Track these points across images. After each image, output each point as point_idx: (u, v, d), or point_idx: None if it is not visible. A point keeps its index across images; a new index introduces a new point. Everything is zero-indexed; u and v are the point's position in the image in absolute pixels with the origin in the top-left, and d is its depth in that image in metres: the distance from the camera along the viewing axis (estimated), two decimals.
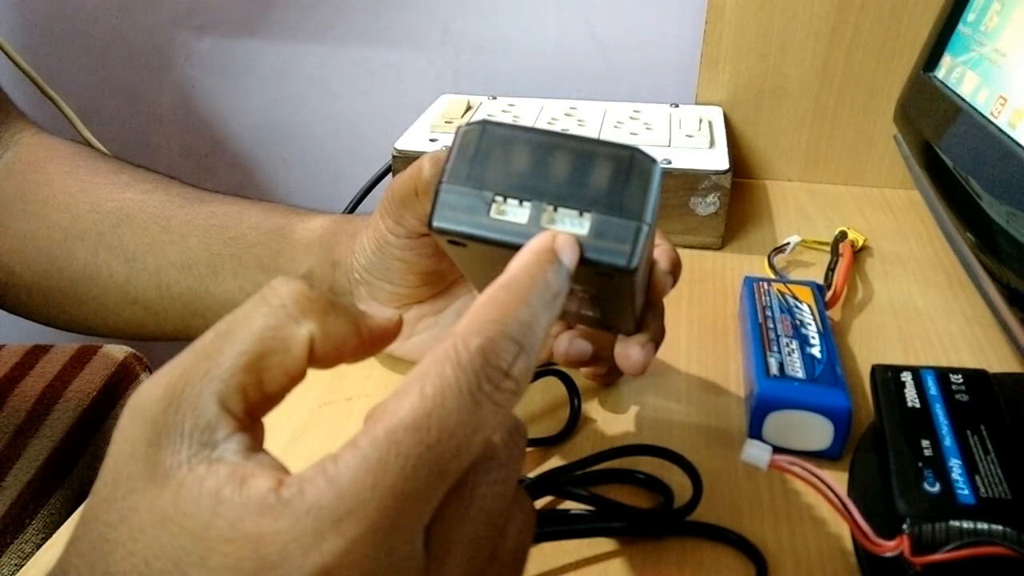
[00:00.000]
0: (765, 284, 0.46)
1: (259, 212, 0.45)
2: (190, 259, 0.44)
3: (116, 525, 0.19)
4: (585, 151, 0.25)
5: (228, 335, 0.20)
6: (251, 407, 0.20)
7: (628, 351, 0.34)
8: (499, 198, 0.25)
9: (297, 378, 0.21)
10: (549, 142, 0.25)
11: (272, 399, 0.21)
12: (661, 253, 0.34)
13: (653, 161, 0.25)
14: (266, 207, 0.46)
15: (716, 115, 0.65)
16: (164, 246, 0.44)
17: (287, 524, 0.18)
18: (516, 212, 0.25)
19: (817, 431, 0.37)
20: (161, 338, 0.48)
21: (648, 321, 0.35)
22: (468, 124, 0.26)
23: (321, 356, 0.22)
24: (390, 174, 0.64)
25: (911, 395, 0.35)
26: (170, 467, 0.19)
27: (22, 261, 0.46)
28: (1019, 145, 0.36)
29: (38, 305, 0.48)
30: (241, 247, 0.44)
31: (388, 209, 0.37)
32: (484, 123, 0.26)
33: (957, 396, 0.35)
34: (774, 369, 0.38)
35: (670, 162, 0.57)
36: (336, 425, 0.40)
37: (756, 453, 0.31)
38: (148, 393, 0.20)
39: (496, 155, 0.25)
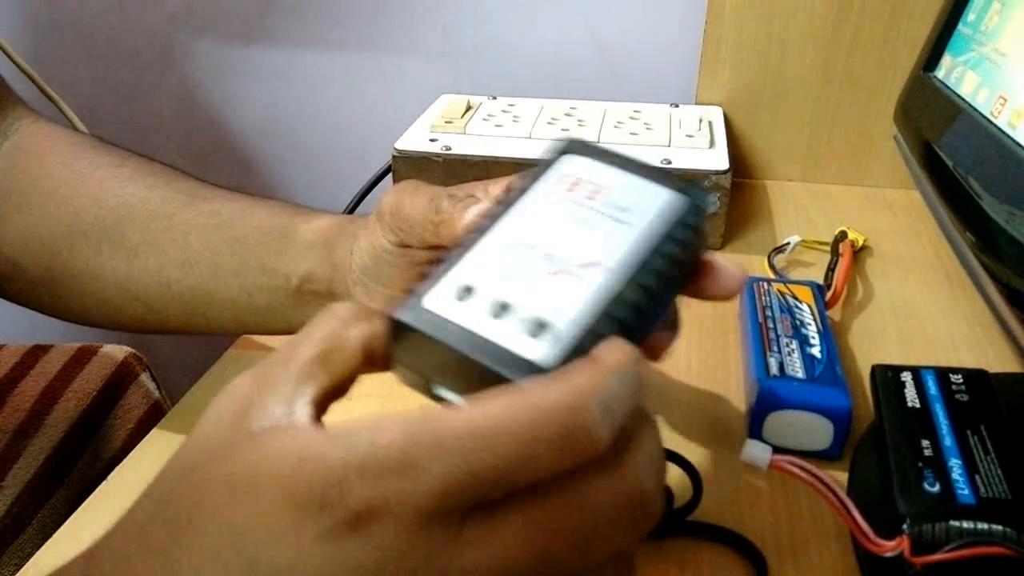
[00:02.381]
0: (765, 284, 0.46)
1: (262, 211, 0.45)
2: (191, 258, 0.44)
3: (196, 473, 0.23)
4: (481, 370, 0.24)
5: (298, 343, 0.25)
6: (322, 392, 0.24)
7: None
8: (434, 384, 0.25)
9: (358, 367, 0.25)
10: (455, 358, 0.24)
11: (338, 388, 0.24)
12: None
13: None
14: (269, 205, 0.46)
15: (716, 115, 0.65)
16: (165, 244, 0.44)
17: (318, 457, 0.20)
18: (450, 395, 0.25)
19: (817, 431, 0.37)
20: (163, 332, 0.48)
21: None
22: (388, 314, 0.25)
23: (376, 354, 0.25)
24: (390, 174, 0.64)
25: (911, 395, 0.35)
26: (253, 428, 0.22)
27: (25, 254, 0.46)
28: (1019, 145, 0.36)
29: (41, 296, 0.48)
30: (243, 247, 0.44)
31: (379, 220, 0.38)
32: (396, 323, 0.25)
33: (957, 396, 0.35)
34: (774, 369, 0.38)
35: (670, 162, 0.57)
36: None
37: (756, 453, 0.31)
38: (237, 382, 0.24)
39: (414, 351, 0.25)
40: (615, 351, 0.23)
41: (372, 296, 0.40)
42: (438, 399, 0.25)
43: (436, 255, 0.37)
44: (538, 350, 0.23)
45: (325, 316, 0.26)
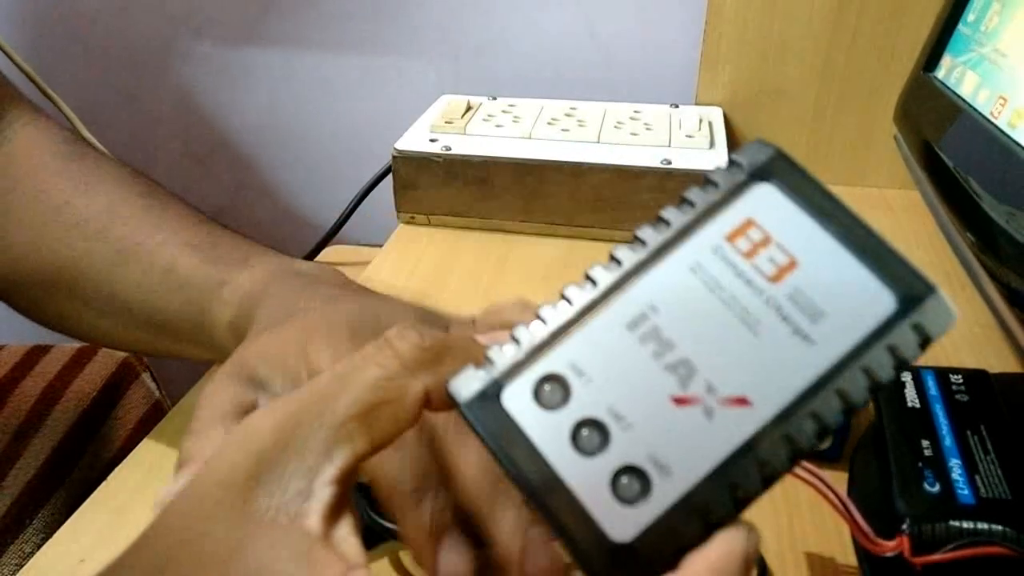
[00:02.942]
0: None
1: (177, 291, 0.41)
2: (138, 323, 0.43)
3: (188, 542, 0.19)
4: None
5: (344, 381, 0.20)
6: (356, 456, 0.20)
7: None
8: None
9: (406, 428, 0.21)
10: (515, 483, 0.19)
11: (378, 449, 0.20)
12: None
13: None
14: (182, 279, 0.41)
15: (716, 115, 0.65)
16: (111, 310, 0.43)
17: None
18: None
19: None
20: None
21: None
22: (449, 391, 0.20)
23: (440, 403, 0.21)
24: (390, 174, 0.64)
25: (911, 395, 0.35)
26: (259, 509, 0.19)
27: (7, 285, 0.47)
28: (1019, 145, 0.36)
29: (35, 314, 0.48)
30: (171, 333, 0.42)
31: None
32: (455, 404, 0.20)
33: (957, 396, 0.35)
34: None
35: (670, 162, 0.57)
36: None
37: None
38: (260, 423, 0.20)
39: (475, 437, 0.20)
40: (718, 564, 0.17)
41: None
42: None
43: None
44: (621, 518, 0.17)
45: (383, 351, 0.21)
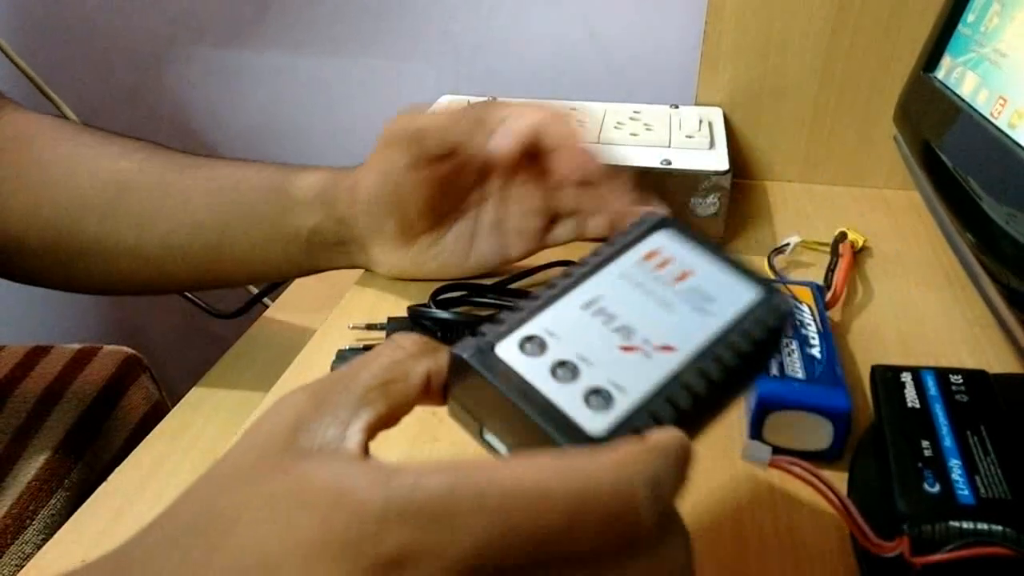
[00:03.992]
0: None
1: (254, 173, 0.47)
2: (198, 221, 0.46)
3: (229, 489, 0.22)
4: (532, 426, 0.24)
5: (360, 367, 0.25)
6: (377, 419, 0.24)
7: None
8: (484, 429, 0.26)
9: (414, 403, 0.25)
10: (510, 409, 0.24)
11: (392, 418, 0.25)
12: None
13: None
14: (259, 167, 0.48)
15: (716, 116, 0.65)
16: (170, 211, 0.46)
17: (360, 493, 0.20)
18: (497, 443, 0.25)
19: (817, 431, 0.37)
20: (170, 292, 0.53)
21: None
22: (453, 352, 0.25)
23: (437, 388, 0.25)
24: None
25: (911, 395, 0.35)
26: (303, 446, 0.22)
27: (29, 233, 0.47)
28: (1019, 145, 0.36)
29: (47, 270, 0.49)
30: (247, 208, 0.46)
31: (388, 146, 0.42)
32: (459, 362, 0.25)
33: (957, 396, 0.35)
34: (774, 369, 0.38)
35: (670, 162, 0.57)
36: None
37: (756, 453, 0.31)
38: (295, 394, 0.24)
39: (472, 392, 0.25)
40: (667, 435, 0.22)
41: (381, 235, 0.44)
42: (486, 445, 0.25)
43: (446, 168, 0.43)
44: (594, 420, 0.23)
45: (391, 345, 0.26)
